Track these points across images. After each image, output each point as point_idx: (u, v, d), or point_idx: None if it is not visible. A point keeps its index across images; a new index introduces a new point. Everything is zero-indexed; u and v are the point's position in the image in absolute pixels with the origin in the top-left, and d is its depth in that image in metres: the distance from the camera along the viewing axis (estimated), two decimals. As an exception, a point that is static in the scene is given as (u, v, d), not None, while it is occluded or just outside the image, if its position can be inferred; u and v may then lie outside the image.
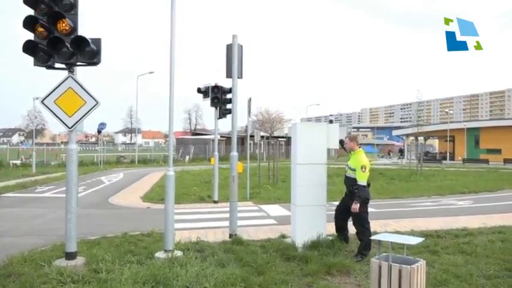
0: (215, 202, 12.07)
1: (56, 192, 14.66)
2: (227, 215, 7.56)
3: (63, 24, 5.17)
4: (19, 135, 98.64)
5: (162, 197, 12.92)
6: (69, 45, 5.17)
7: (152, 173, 24.39)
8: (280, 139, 29.00)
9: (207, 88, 11.62)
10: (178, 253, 5.80)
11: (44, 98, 5.35)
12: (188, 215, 9.92)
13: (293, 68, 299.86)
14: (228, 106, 11.78)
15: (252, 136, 15.46)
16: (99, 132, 32.61)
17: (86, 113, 5.45)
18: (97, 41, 5.31)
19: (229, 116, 12.05)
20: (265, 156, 24.37)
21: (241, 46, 7.72)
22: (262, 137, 26.39)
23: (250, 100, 13.27)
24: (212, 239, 7.14)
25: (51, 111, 5.37)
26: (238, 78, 7.57)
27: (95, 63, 5.40)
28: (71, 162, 5.45)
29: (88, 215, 9.84)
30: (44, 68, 5.41)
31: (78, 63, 5.40)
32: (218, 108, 11.71)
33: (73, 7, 5.25)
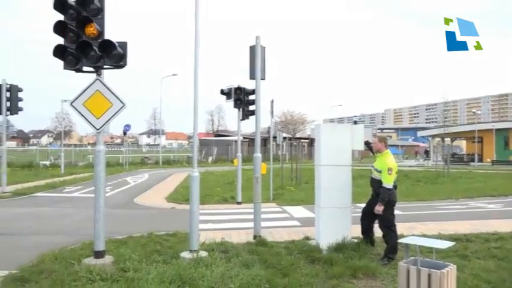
0: (238, 203, 12.10)
1: (84, 192, 15.01)
2: (250, 216, 7.57)
3: (91, 29, 5.30)
4: (48, 136, 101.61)
5: (186, 197, 13.08)
6: (96, 49, 5.29)
7: (176, 174, 24.69)
8: (302, 140, 28.89)
9: (230, 90, 11.70)
10: (204, 253, 5.84)
11: (73, 101, 5.49)
12: (212, 216, 9.99)
13: (316, 69, 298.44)
14: (251, 107, 11.83)
15: (274, 137, 15.44)
16: (124, 133, 33.26)
17: (113, 115, 5.56)
18: (123, 45, 5.42)
19: (252, 117, 12.11)
20: (288, 158, 24.28)
21: (264, 48, 7.72)
22: (284, 138, 26.31)
23: (273, 101, 13.29)
24: (236, 240, 7.16)
25: (80, 113, 5.51)
26: (262, 79, 7.57)
27: (121, 66, 5.51)
28: (98, 163, 5.57)
29: (114, 214, 10.03)
30: (73, 72, 5.57)
31: (105, 66, 5.51)
32: (241, 109, 11.76)
33: (100, 11, 5.38)
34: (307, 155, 37.55)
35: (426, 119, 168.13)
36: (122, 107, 5.53)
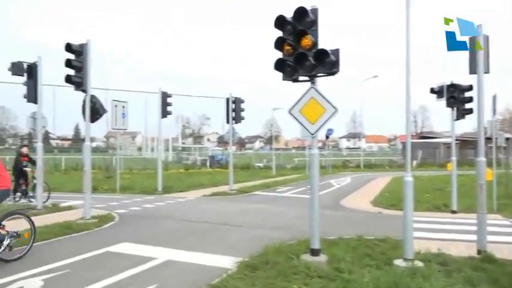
0: (453, 212, 10.95)
1: (294, 192, 16.23)
2: (469, 228, 6.79)
3: (306, 40, 5.69)
4: (259, 141, 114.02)
5: (392, 202, 12.65)
6: (311, 59, 5.64)
7: (378, 177, 24.13)
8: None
9: (442, 87, 10.74)
10: (419, 263, 5.51)
11: (291, 108, 5.99)
12: (423, 224, 9.31)
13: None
14: (467, 106, 10.62)
15: (488, 138, 13.34)
16: (326, 137, 34.42)
17: (326, 120, 5.83)
18: (336, 52, 5.63)
19: (468, 117, 10.84)
20: (513, 162, 20.62)
21: (487, 37, 6.78)
22: (507, 139, 22.45)
23: (495, 97, 11.53)
24: (455, 252, 6.48)
25: (297, 119, 5.97)
26: (485, 73, 6.66)
27: (334, 73, 5.72)
28: (313, 165, 5.93)
29: (323, 215, 10.43)
30: (291, 82, 6.08)
31: (319, 75, 5.83)
32: (455, 108, 10.65)
33: (314, 23, 5.72)
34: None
35: None
36: (335, 112, 5.74)
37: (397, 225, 7.97)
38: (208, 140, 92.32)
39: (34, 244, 7.19)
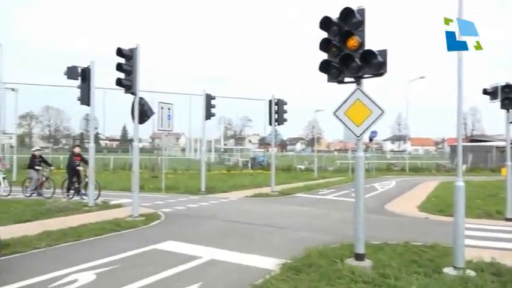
0: (508, 220, 10.37)
1: (336, 195, 16.01)
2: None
3: (353, 41, 5.61)
4: (301, 143, 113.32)
5: (439, 208, 12.17)
6: (357, 60, 5.56)
7: (425, 182, 23.28)
8: None
9: (496, 88, 10.20)
10: (471, 273, 5.27)
11: (336, 110, 5.92)
12: (474, 231, 8.88)
13: None
14: (525, 107, 10.04)
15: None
16: (370, 140, 33.63)
17: (372, 122, 5.71)
18: (383, 52, 5.50)
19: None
20: None
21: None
22: None
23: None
24: (510, 262, 6.13)
25: (342, 121, 5.89)
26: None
27: (381, 74, 5.60)
28: (359, 168, 5.83)
29: (367, 219, 10.16)
30: (335, 83, 6.01)
31: (365, 76, 5.73)
32: (511, 110, 10.11)
33: (361, 24, 5.62)
34: None
35: None
36: (381, 113, 5.61)
37: (445, 232, 7.69)
38: (250, 141, 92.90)
39: (86, 240, 7.58)
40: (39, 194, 14.05)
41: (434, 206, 12.73)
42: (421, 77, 37.20)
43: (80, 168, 13.78)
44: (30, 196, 13.93)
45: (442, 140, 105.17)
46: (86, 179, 13.15)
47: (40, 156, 14.83)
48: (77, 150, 14.21)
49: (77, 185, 13.77)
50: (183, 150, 56.81)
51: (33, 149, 15.98)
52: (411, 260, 6.06)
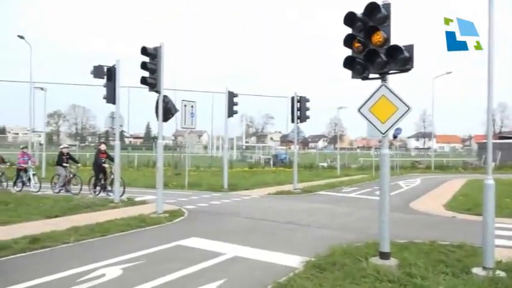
0: (539, 219, 10.01)
1: (360, 193, 15.82)
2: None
3: (378, 37, 5.50)
4: (323, 140, 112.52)
5: (467, 206, 11.87)
6: (383, 56, 5.46)
7: (451, 180, 22.76)
8: None
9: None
10: (501, 273, 5.11)
11: (360, 107, 5.84)
12: (504, 231, 8.62)
13: None
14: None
15: None
16: (394, 137, 33.07)
17: (398, 119, 5.60)
18: (410, 48, 5.38)
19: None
20: None
21: None
22: None
23: None
24: (543, 264, 5.93)
25: (367, 118, 5.81)
26: None
27: (407, 70, 5.48)
28: (384, 166, 5.74)
29: (392, 217, 10.00)
30: (360, 80, 5.93)
31: (390, 72, 5.62)
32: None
33: (386, 19, 5.52)
34: None
35: None
36: (407, 110, 5.50)
37: (473, 231, 7.50)
38: (272, 139, 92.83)
39: (112, 235, 7.74)
40: (67, 191, 14.44)
41: (462, 204, 12.43)
42: (448, 73, 36.27)
43: (106, 165, 14.07)
44: (58, 192, 14.33)
45: (468, 137, 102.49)
46: (112, 176, 13.43)
47: (68, 154, 15.21)
48: (102, 147, 14.53)
49: (103, 182, 14.08)
50: (205, 147, 57.30)
51: (61, 146, 16.41)
52: (438, 259, 5.94)
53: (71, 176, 14.82)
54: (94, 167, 14.36)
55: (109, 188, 13.82)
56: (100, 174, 14.08)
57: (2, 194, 13.31)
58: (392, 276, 5.00)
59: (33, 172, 15.40)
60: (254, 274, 5.54)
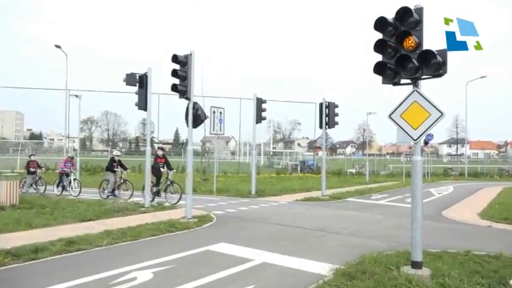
0: None
1: (390, 200, 15.50)
2: None
3: (409, 42, 5.42)
4: (351, 146, 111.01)
5: (504, 215, 11.43)
6: (415, 61, 5.36)
7: (486, 187, 21.98)
8: None
9: None
10: (542, 286, 4.89)
11: (391, 113, 5.75)
12: (544, 242, 8.26)
13: None
14: None
15: None
16: (426, 143, 32.29)
17: (431, 125, 5.48)
18: (443, 52, 5.27)
19: None
20: None
21: None
22: None
23: None
24: None
25: (398, 124, 5.71)
26: None
27: (441, 75, 5.36)
28: (416, 173, 5.61)
29: (424, 226, 9.75)
30: (391, 85, 5.84)
31: (423, 77, 5.52)
32: None
33: (418, 23, 5.43)
34: None
35: None
36: (440, 116, 5.38)
37: (511, 242, 7.21)
38: (299, 144, 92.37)
39: (143, 239, 7.90)
40: (115, 196, 14.40)
41: (498, 213, 11.98)
42: (482, 77, 35.21)
43: (163, 170, 13.89)
44: (107, 198, 14.16)
45: (504, 143, 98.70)
46: (168, 182, 13.47)
47: (119, 160, 15.31)
48: (160, 152, 14.28)
49: (156, 189, 13.68)
50: (233, 153, 57.62)
51: (114, 153, 16.19)
52: (473, 270, 5.73)
53: (121, 181, 14.87)
54: (153, 172, 13.54)
55: (162, 194, 13.63)
56: (154, 179, 13.70)
57: (39, 198, 13.80)
58: (425, 286, 4.88)
59: (74, 177, 15.86)
60: (283, 281, 5.52)
